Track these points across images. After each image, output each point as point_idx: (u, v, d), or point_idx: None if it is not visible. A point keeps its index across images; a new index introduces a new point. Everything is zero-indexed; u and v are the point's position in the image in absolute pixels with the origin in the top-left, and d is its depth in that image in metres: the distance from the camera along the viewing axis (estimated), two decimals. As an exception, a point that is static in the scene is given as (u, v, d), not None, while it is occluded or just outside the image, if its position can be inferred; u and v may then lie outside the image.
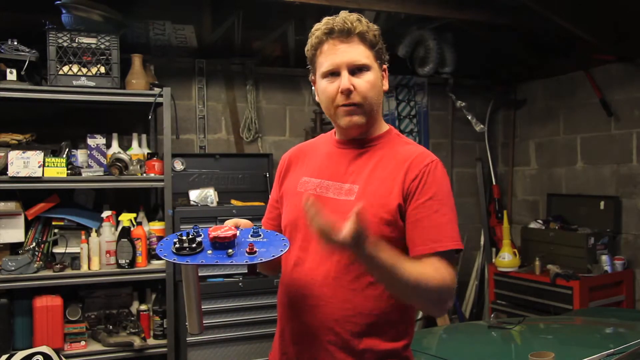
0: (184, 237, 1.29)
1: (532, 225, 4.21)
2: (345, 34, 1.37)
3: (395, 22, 3.85)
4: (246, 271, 1.39)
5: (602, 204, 3.95)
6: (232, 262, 1.26)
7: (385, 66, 1.45)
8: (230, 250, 1.28)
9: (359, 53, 1.38)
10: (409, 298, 1.33)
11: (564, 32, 3.50)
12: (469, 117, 4.39)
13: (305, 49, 1.47)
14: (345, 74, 1.37)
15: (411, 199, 1.35)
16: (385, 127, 1.50)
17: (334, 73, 1.39)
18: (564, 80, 4.31)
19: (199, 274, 1.38)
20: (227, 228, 1.32)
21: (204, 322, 1.39)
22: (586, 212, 4.04)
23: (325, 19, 1.41)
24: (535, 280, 3.85)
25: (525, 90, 4.64)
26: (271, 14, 3.70)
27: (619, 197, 3.90)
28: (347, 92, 1.37)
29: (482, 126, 4.39)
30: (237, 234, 1.32)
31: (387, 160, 1.41)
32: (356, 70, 1.38)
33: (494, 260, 4.34)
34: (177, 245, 1.28)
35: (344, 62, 1.37)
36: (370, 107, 1.40)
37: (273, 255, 1.27)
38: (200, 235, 1.32)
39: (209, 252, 1.28)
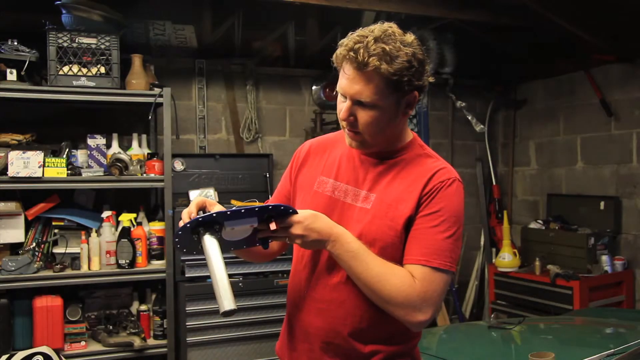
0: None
1: (532, 225, 4.21)
2: (360, 65, 1.27)
3: (395, 22, 3.84)
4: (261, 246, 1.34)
5: (602, 204, 3.95)
6: (251, 207, 1.26)
7: (415, 93, 1.35)
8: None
9: (367, 89, 1.29)
10: (369, 294, 1.32)
11: (564, 32, 3.50)
12: (469, 118, 4.39)
13: (334, 55, 1.38)
14: (348, 103, 1.33)
15: (419, 211, 1.35)
16: (408, 136, 1.45)
17: (343, 94, 1.35)
18: (564, 80, 4.31)
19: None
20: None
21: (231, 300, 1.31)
22: (586, 212, 4.04)
23: (352, 36, 1.31)
24: (535, 281, 3.85)
25: (525, 90, 4.64)
26: (271, 14, 3.69)
27: (619, 197, 3.90)
28: (348, 121, 1.35)
29: (482, 126, 4.39)
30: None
31: (408, 173, 1.39)
32: (361, 103, 1.31)
33: (494, 260, 4.34)
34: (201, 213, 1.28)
35: (349, 93, 1.31)
36: (371, 138, 1.36)
37: (291, 211, 1.27)
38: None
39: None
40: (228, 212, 1.25)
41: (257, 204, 1.39)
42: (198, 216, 1.27)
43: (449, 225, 1.34)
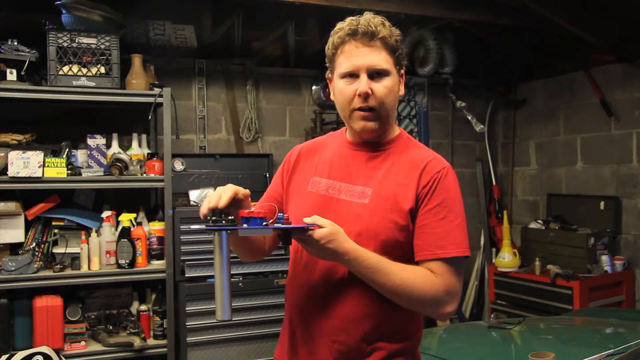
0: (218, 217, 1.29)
1: (532, 225, 4.21)
2: (368, 37, 1.36)
3: (395, 22, 3.85)
4: (281, 245, 1.37)
5: (602, 204, 3.95)
6: (268, 226, 1.26)
7: (402, 71, 1.45)
8: (265, 224, 1.27)
9: (380, 57, 1.37)
10: (396, 300, 1.34)
11: (564, 32, 3.50)
12: (469, 117, 4.38)
13: (326, 46, 1.45)
14: (364, 77, 1.36)
15: (421, 205, 1.36)
16: (396, 130, 1.49)
17: (352, 75, 1.38)
18: (564, 80, 4.31)
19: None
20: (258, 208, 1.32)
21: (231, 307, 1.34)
22: (586, 212, 4.04)
23: (349, 19, 1.40)
24: (535, 281, 3.85)
25: (525, 90, 4.64)
26: (271, 14, 3.69)
27: (619, 197, 3.90)
28: (365, 96, 1.36)
29: (482, 126, 4.39)
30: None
31: (401, 165, 1.41)
32: (375, 74, 1.37)
33: (494, 260, 4.34)
34: (213, 218, 1.28)
35: (365, 66, 1.36)
36: (385, 112, 1.40)
37: (309, 226, 1.26)
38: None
39: (245, 225, 1.27)
40: (244, 226, 1.26)
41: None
42: (218, 226, 1.27)
43: (455, 213, 1.37)
